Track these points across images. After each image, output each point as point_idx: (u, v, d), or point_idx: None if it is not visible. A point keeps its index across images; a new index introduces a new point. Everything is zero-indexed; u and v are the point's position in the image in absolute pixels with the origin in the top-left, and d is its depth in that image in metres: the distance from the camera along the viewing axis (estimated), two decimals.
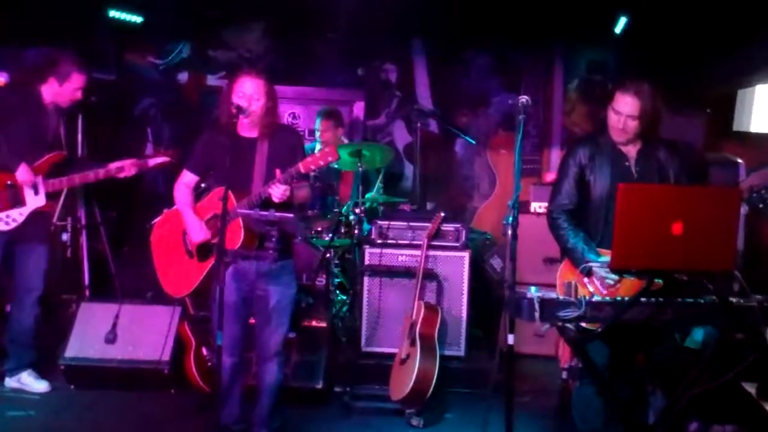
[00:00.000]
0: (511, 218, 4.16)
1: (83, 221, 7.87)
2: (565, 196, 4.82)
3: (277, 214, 4.62)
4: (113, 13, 7.88)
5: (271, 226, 4.68)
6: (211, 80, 8.67)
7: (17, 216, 5.88)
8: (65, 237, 8.04)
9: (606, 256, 4.51)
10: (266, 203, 4.72)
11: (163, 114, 8.62)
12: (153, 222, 5.55)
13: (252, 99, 4.85)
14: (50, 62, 5.97)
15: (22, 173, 5.81)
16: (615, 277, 4.42)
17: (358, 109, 8.71)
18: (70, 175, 6.04)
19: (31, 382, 6.13)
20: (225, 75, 8.57)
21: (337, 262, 7.12)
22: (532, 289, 4.00)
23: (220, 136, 4.93)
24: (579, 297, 3.95)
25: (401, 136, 8.78)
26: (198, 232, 5.01)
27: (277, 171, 4.70)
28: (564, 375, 4.55)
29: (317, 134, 7.62)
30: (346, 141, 7.77)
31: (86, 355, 6.25)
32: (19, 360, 6.17)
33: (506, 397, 4.09)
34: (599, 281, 4.53)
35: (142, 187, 8.33)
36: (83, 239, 7.92)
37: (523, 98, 4.37)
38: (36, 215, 5.96)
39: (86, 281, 7.78)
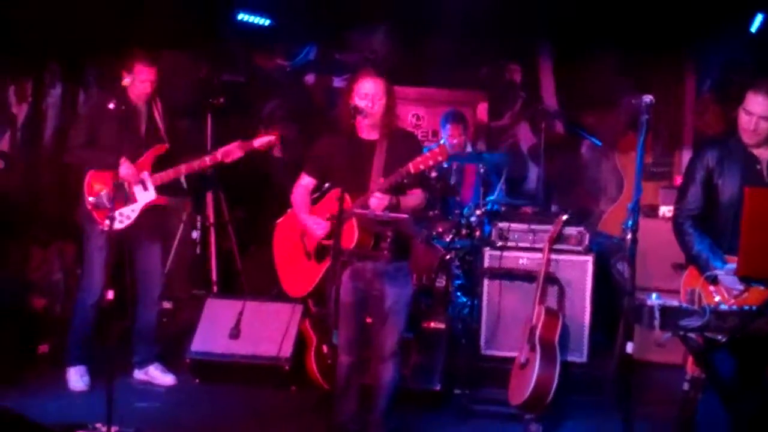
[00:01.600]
0: (630, 222, 4.02)
1: (212, 219, 8.08)
2: (691, 201, 4.67)
3: (391, 214, 4.63)
4: (242, 16, 8.04)
5: (385, 226, 4.69)
6: (337, 82, 8.75)
7: (130, 213, 6.01)
8: (195, 235, 8.27)
9: (733, 264, 4.35)
10: None
11: (291, 115, 8.74)
12: (277, 221, 5.64)
13: (374, 99, 4.86)
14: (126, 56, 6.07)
15: (125, 169, 5.91)
16: (741, 286, 4.25)
17: (482, 110, 8.64)
18: (177, 167, 6.12)
19: (158, 375, 6.33)
20: (350, 77, 8.62)
21: (457, 263, 7.07)
22: (653, 295, 3.87)
23: (339, 138, 4.97)
24: (703, 305, 3.80)
25: (526, 137, 8.66)
26: (316, 228, 5.03)
27: (381, 179, 4.69)
28: (686, 386, 4.39)
29: (444, 138, 7.56)
30: (469, 148, 7.72)
31: (211, 349, 6.41)
32: (146, 353, 6.37)
33: (624, 407, 3.96)
34: (725, 289, 4.37)
35: (270, 185, 8.46)
36: (212, 237, 8.14)
37: (647, 98, 4.25)
38: (149, 211, 6.08)
39: (214, 278, 7.98)
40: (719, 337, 3.91)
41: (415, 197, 5.00)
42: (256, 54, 8.66)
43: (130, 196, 6.02)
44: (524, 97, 8.62)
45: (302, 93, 8.80)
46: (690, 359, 5.65)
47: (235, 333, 6.44)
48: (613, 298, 7.17)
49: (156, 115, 6.20)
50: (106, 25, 7.65)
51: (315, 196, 5.64)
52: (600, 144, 8.19)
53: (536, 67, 8.60)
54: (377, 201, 4.69)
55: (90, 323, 6.12)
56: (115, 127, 5.84)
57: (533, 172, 8.56)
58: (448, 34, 8.25)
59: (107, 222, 5.78)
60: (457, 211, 7.01)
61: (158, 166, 6.11)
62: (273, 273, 5.58)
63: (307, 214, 5.13)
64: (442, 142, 7.37)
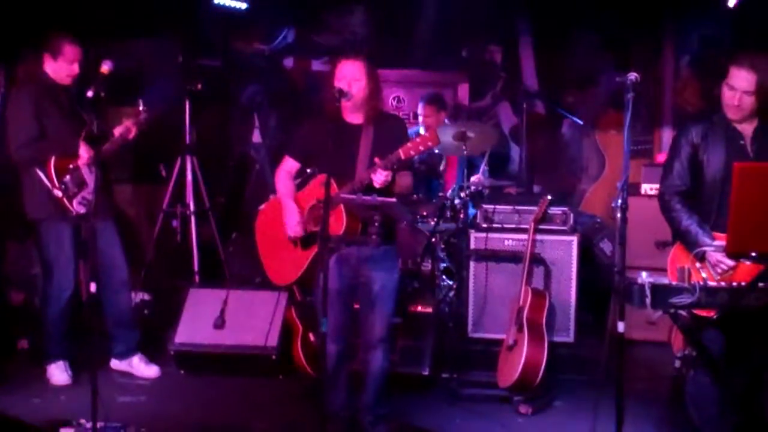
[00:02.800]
0: (620, 201, 4.00)
1: (192, 208, 8.00)
2: (677, 177, 4.65)
3: (379, 198, 4.58)
4: (218, 0, 7.94)
5: (374, 210, 4.64)
6: (317, 65, 8.68)
7: (89, 195, 5.84)
8: (175, 223, 8.18)
9: (720, 240, 4.35)
10: (369, 189, 4.68)
11: (270, 100, 8.66)
12: (259, 208, 5.58)
13: (353, 81, 4.81)
14: (43, 41, 5.95)
15: (85, 151, 5.83)
16: (730, 262, 4.24)
17: (463, 91, 8.60)
18: (103, 147, 5.95)
19: (141, 367, 6.23)
20: (330, 59, 8.57)
21: (442, 246, 7.04)
22: (643, 274, 3.86)
23: (323, 122, 4.91)
24: (693, 283, 3.79)
25: (507, 117, 8.62)
26: (293, 227, 5.00)
27: (377, 159, 4.65)
28: (677, 363, 4.39)
29: (420, 119, 7.56)
30: (448, 124, 7.68)
31: (195, 340, 6.34)
32: (126, 342, 6.25)
33: (616, 385, 3.95)
34: (713, 266, 4.36)
35: (250, 173, 8.40)
36: (192, 226, 8.06)
37: (632, 76, 4.23)
38: (99, 192, 5.82)
39: (196, 267, 7.90)
40: (711, 314, 3.90)
41: (408, 178, 5.00)
42: (233, 38, 8.56)
43: (83, 179, 5.88)
44: (505, 77, 8.58)
45: (281, 77, 8.72)
46: (676, 337, 5.70)
47: (219, 323, 6.38)
48: (596, 278, 7.17)
49: (74, 96, 6.05)
50: (78, 12, 7.55)
51: (297, 181, 5.60)
52: (581, 122, 8.18)
53: (516, 47, 8.55)
54: (382, 177, 4.62)
55: (67, 317, 6.02)
56: (58, 113, 5.84)
57: (515, 153, 8.53)
58: (428, 15, 8.23)
59: (76, 208, 5.81)
60: (440, 194, 6.97)
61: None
62: (256, 261, 5.52)
63: (291, 200, 5.06)
64: (419, 128, 7.36)
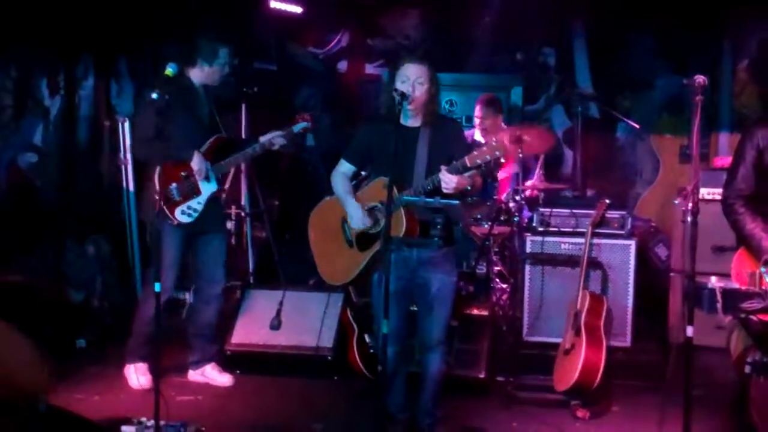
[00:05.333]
0: (690, 205, 3.96)
1: (247, 209, 8.05)
2: (742, 181, 4.60)
3: (442, 200, 4.58)
4: (274, 4, 7.98)
5: (436, 213, 4.65)
6: (370, 69, 8.70)
7: (197, 206, 5.88)
8: (230, 225, 8.24)
9: None
10: (432, 191, 4.68)
11: (323, 103, 8.70)
12: (314, 208, 5.56)
13: (416, 84, 4.80)
14: (193, 45, 5.98)
15: (198, 162, 5.81)
16: None
17: (516, 94, 8.57)
18: (235, 157, 6.01)
19: (215, 376, 6.20)
20: (383, 63, 8.59)
21: (496, 249, 7.02)
22: (713, 278, 3.82)
23: (381, 125, 4.92)
24: (764, 287, 3.74)
25: (560, 121, 8.58)
26: (359, 220, 5.00)
27: (442, 166, 4.63)
28: (747, 369, 4.32)
29: (476, 121, 7.55)
30: (505, 128, 7.66)
31: (251, 341, 6.38)
32: (203, 353, 6.24)
33: (685, 391, 3.91)
34: None
35: (303, 175, 8.44)
36: (247, 227, 8.12)
37: (699, 78, 4.18)
38: (210, 203, 5.96)
39: (251, 268, 7.95)
40: None
41: (479, 178, 4.97)
42: (288, 42, 8.60)
43: (195, 188, 5.88)
44: (559, 80, 8.53)
45: (335, 81, 8.74)
46: (736, 343, 5.62)
47: (275, 324, 6.41)
48: (651, 282, 7.11)
49: (212, 103, 6.12)
50: (137, 15, 7.67)
51: (352, 184, 5.61)
52: (637, 126, 8.11)
53: (571, 50, 8.49)
54: (453, 183, 4.61)
55: (157, 321, 6.05)
56: (186, 118, 5.82)
57: (568, 156, 8.48)
58: (482, 18, 8.22)
59: (178, 216, 5.82)
60: (495, 197, 6.95)
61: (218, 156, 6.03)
62: (309, 263, 5.54)
63: (352, 198, 5.06)
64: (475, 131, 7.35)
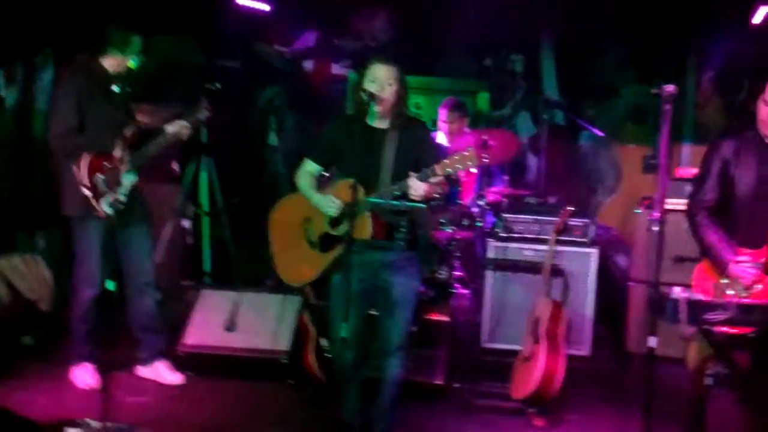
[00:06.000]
0: (657, 214, 3.92)
1: (206, 208, 7.93)
2: (707, 192, 4.62)
3: (408, 204, 4.52)
4: (240, 1, 7.88)
5: (401, 216, 4.58)
6: (336, 69, 8.61)
7: (122, 198, 5.73)
8: (187, 224, 8.12)
9: (743, 256, 4.31)
10: (399, 196, 4.61)
11: (288, 102, 8.60)
12: (275, 207, 5.46)
13: (384, 85, 4.74)
14: (106, 33, 5.85)
15: (120, 152, 5.70)
16: (751, 276, 4.19)
17: (483, 99, 8.53)
18: (149, 145, 5.86)
19: (165, 374, 6.10)
20: (350, 64, 8.52)
21: (458, 255, 6.97)
22: (677, 289, 3.79)
23: (348, 125, 4.84)
24: (728, 299, 3.72)
25: (526, 127, 8.55)
26: (331, 207, 4.84)
27: (411, 173, 4.55)
28: (709, 381, 4.30)
29: (441, 125, 7.50)
30: (469, 131, 7.62)
31: (206, 342, 6.27)
32: (152, 348, 6.14)
33: (646, 403, 3.88)
34: (736, 281, 4.30)
35: (264, 175, 8.33)
36: (205, 226, 7.99)
37: (670, 87, 4.18)
38: (132, 194, 5.82)
39: (207, 268, 7.83)
40: (744, 332, 3.83)
41: (446, 184, 4.86)
42: (254, 39, 8.49)
43: (119, 179, 5.74)
44: (525, 87, 8.50)
45: (301, 80, 8.64)
46: (693, 355, 5.62)
47: (230, 325, 6.32)
48: (611, 291, 7.10)
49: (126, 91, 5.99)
50: (98, 8, 7.53)
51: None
52: (602, 134, 8.11)
53: (538, 58, 8.47)
54: (423, 190, 4.53)
55: (92, 317, 5.90)
56: (104, 109, 5.71)
57: (532, 163, 8.46)
58: (451, 22, 8.18)
59: (103, 208, 5.65)
60: (459, 201, 6.90)
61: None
62: (267, 264, 5.45)
63: (318, 193, 4.96)
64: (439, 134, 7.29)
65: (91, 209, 5.68)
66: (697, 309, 3.74)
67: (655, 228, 3.92)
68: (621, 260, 7.35)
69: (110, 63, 5.84)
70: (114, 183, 5.72)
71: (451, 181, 6.91)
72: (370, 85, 4.70)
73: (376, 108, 4.72)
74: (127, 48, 5.82)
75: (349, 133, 4.78)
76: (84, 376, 5.91)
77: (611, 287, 7.15)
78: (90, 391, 5.73)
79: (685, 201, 4.99)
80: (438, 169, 4.50)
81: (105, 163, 5.69)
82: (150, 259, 6.13)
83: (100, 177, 5.68)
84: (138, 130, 5.92)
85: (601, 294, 6.69)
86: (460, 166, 4.50)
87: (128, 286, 6.04)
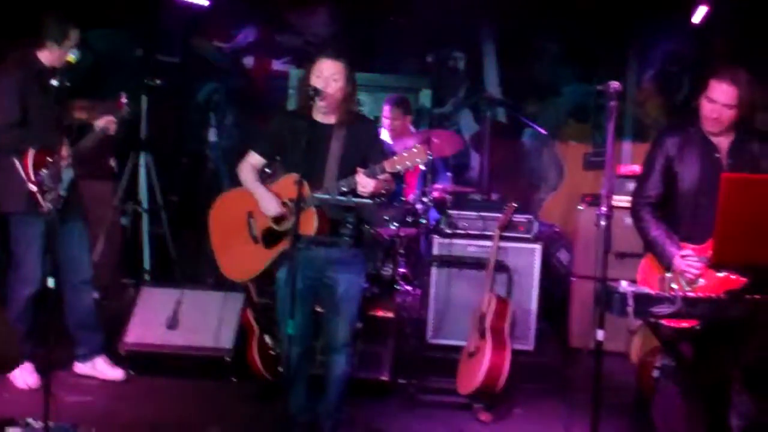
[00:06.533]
0: (604, 208, 3.95)
1: (144, 205, 7.81)
2: (651, 188, 4.65)
3: (355, 199, 4.49)
4: None
5: (348, 212, 4.55)
6: (277, 65, 8.55)
7: (62, 192, 5.60)
8: (125, 221, 7.99)
9: (686, 250, 4.36)
10: (345, 192, 4.58)
11: (228, 98, 8.52)
12: (215, 200, 5.36)
13: (329, 80, 4.70)
14: (42, 25, 5.71)
15: (66, 146, 5.60)
16: (696, 270, 4.25)
17: (425, 96, 8.54)
18: (84, 140, 5.75)
19: (105, 369, 5.99)
20: (290, 59, 8.46)
21: (401, 251, 6.96)
22: (623, 283, 3.82)
23: (293, 120, 4.79)
24: (673, 293, 3.77)
25: (469, 125, 8.57)
26: (273, 207, 4.78)
27: (359, 169, 4.54)
28: (656, 374, 4.35)
29: (384, 122, 7.50)
30: (413, 129, 7.63)
31: (147, 340, 6.16)
32: (90, 345, 6.02)
33: (594, 396, 3.91)
34: (680, 275, 4.35)
35: (203, 172, 8.23)
36: (144, 223, 7.87)
37: (615, 84, 4.21)
38: (70, 190, 5.73)
39: (147, 266, 7.72)
40: (690, 324, 3.88)
41: (392, 181, 4.84)
42: (193, 35, 8.38)
43: (59, 175, 5.57)
44: (468, 84, 8.53)
45: (241, 76, 8.56)
46: (635, 348, 5.71)
47: (172, 323, 6.22)
48: (553, 287, 7.16)
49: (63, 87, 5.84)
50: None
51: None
52: (545, 132, 8.17)
53: (480, 55, 8.50)
54: (370, 186, 4.50)
55: (30, 316, 5.76)
56: (43, 103, 5.54)
57: (475, 160, 8.49)
58: (392, 19, 8.18)
59: (47, 204, 5.50)
60: (402, 198, 6.89)
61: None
62: (207, 261, 5.38)
63: (262, 186, 4.88)
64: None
65: (37, 205, 5.54)
66: (643, 303, 3.77)
67: (603, 223, 3.93)
68: (563, 256, 7.42)
69: (47, 56, 5.69)
70: (57, 178, 5.56)
71: (396, 178, 6.95)
72: (315, 81, 4.65)
73: (320, 103, 4.68)
74: (65, 41, 5.67)
75: (294, 127, 4.73)
76: (24, 375, 5.77)
77: (553, 283, 7.22)
78: (30, 391, 5.62)
79: (626, 198, 5.05)
80: (387, 165, 4.48)
81: (48, 159, 5.53)
82: (88, 257, 6.01)
83: (44, 172, 5.54)
84: (72, 125, 5.83)
85: (543, 289, 6.75)
86: (409, 163, 4.49)
87: (65, 283, 5.85)
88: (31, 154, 5.54)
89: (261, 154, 4.94)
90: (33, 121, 5.60)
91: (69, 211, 5.74)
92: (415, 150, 4.47)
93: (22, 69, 5.66)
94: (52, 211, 5.44)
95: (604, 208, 3.95)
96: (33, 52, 5.70)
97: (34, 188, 5.53)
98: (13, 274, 5.83)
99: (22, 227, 5.70)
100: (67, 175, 5.69)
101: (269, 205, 4.79)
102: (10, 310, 5.84)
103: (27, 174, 5.52)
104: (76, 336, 6.00)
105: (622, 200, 6.25)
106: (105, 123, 5.81)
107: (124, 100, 5.96)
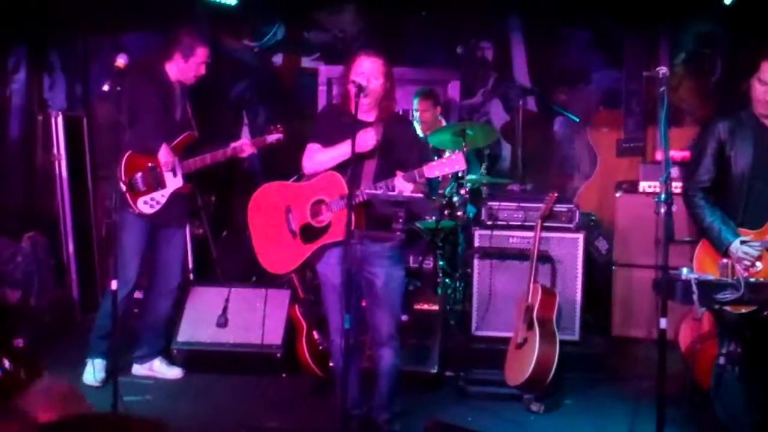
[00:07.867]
0: (663, 196, 3.94)
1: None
2: (703, 173, 4.63)
3: (405, 194, 4.52)
4: None
5: (398, 207, 4.58)
6: (306, 62, 8.55)
7: (160, 198, 5.84)
8: None
9: (744, 236, 4.35)
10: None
11: (259, 97, 8.53)
12: (253, 194, 5.33)
13: (371, 78, 4.73)
14: (173, 39, 5.92)
15: (164, 154, 5.80)
16: (754, 255, 4.24)
17: (453, 88, 8.53)
18: (203, 155, 5.96)
19: (164, 369, 6.11)
20: (319, 56, 8.47)
21: (440, 245, 6.98)
22: (684, 270, 3.83)
23: (339, 116, 4.84)
24: (737, 278, 3.77)
25: (498, 115, 8.54)
26: (369, 134, 4.71)
27: (398, 172, 4.60)
28: (721, 360, 4.33)
29: (415, 114, 7.52)
30: (443, 122, 7.64)
31: (198, 339, 6.26)
32: (151, 347, 6.14)
33: (658, 384, 3.90)
34: (737, 261, 4.34)
35: (240, 169, 8.27)
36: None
37: (662, 69, 4.21)
38: (174, 198, 5.91)
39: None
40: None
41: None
42: (222, 34, 8.40)
43: (161, 181, 5.84)
44: (496, 74, 8.51)
45: (270, 74, 8.57)
46: (684, 335, 5.70)
47: (222, 321, 6.29)
48: (592, 276, 7.15)
49: (187, 100, 6.09)
50: (70, 7, 7.45)
51: (293, 178, 5.51)
52: (577, 120, 8.16)
53: (508, 45, 8.48)
54: (410, 189, 4.56)
55: (116, 315, 5.84)
56: (157, 111, 5.81)
57: (506, 151, 8.47)
58: (419, 12, 8.17)
59: (140, 206, 5.74)
60: (439, 192, 6.90)
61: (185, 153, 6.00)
62: (246, 259, 5.42)
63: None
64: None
65: (126, 205, 5.77)
66: (707, 289, 3.77)
67: (663, 210, 3.91)
68: (602, 245, 7.40)
69: (173, 69, 5.95)
70: (155, 183, 5.86)
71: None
72: (358, 77, 4.68)
73: (364, 100, 4.71)
74: (191, 56, 5.90)
75: (340, 123, 4.78)
76: (96, 371, 5.87)
77: (593, 272, 7.20)
78: (93, 389, 5.71)
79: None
80: (426, 170, 4.55)
81: (148, 164, 5.80)
82: (180, 267, 6.23)
83: (138, 175, 5.81)
84: (193, 137, 6.09)
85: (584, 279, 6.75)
86: (447, 169, 4.58)
87: (153, 286, 6.13)
88: (127, 156, 5.74)
89: (322, 144, 4.92)
90: (141, 126, 5.78)
91: (169, 218, 5.95)
92: (454, 157, 4.56)
93: (144, 74, 5.84)
94: (144, 214, 5.73)
95: (663, 196, 3.92)
96: (162, 63, 5.92)
97: (123, 188, 5.72)
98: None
99: (121, 226, 5.82)
100: (173, 183, 5.88)
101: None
102: (101, 307, 6.00)
103: (120, 174, 5.73)
104: (142, 337, 6.15)
105: (657, 186, 6.27)
106: (238, 144, 6.03)
107: (278, 127, 6.13)
